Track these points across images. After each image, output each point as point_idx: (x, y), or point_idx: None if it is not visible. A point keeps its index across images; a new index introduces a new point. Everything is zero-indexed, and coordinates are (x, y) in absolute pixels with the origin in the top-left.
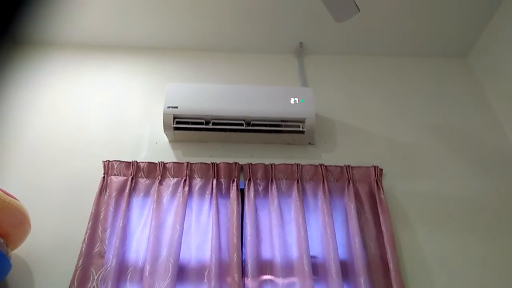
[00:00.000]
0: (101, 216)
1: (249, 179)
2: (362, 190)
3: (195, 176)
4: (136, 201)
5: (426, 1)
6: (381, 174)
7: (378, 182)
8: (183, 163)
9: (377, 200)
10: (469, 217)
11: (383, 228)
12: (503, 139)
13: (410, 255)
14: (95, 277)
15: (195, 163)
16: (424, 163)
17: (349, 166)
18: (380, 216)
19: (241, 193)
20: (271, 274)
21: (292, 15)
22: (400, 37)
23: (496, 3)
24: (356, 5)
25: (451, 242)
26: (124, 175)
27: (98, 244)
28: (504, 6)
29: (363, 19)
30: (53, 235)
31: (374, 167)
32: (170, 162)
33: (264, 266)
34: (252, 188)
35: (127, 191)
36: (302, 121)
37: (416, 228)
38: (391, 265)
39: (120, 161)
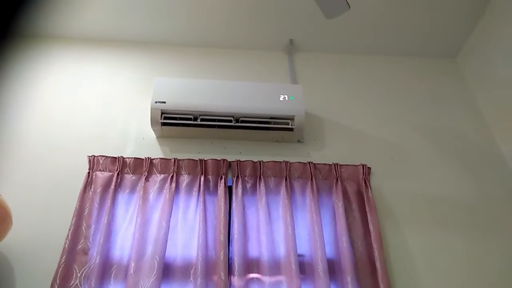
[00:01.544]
0: (86, 212)
1: (237, 176)
2: (350, 188)
3: (183, 172)
4: (122, 197)
5: (416, 0)
6: (369, 173)
7: (366, 180)
8: (170, 159)
9: (365, 199)
10: (456, 217)
11: (371, 227)
12: (490, 140)
13: (397, 254)
14: (79, 274)
15: (183, 159)
16: (412, 162)
17: (337, 165)
18: (368, 214)
19: (229, 190)
20: (258, 272)
21: (283, 11)
22: (390, 36)
23: (485, 2)
24: (347, 2)
25: (438, 241)
26: (109, 171)
27: (82, 240)
28: (493, 6)
29: (354, 18)
30: (35, 231)
31: (363, 165)
32: (157, 158)
33: (251, 264)
34: (240, 185)
35: (112, 187)
36: (291, 118)
37: (403, 227)
38: (378, 264)
39: (106, 156)
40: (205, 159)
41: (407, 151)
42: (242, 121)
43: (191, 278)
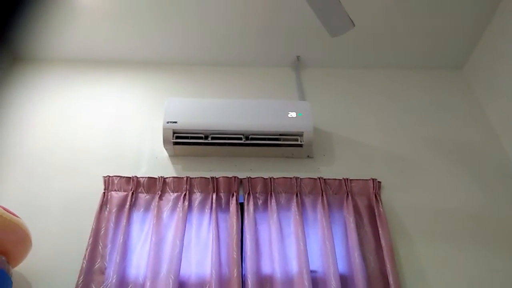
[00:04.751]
0: (102, 232)
1: (249, 193)
2: (361, 203)
3: (195, 190)
4: (137, 216)
5: (421, 13)
6: (379, 187)
7: (377, 195)
8: (182, 177)
9: (376, 213)
10: (468, 230)
11: (382, 241)
12: (500, 152)
13: (409, 268)
14: None
15: (195, 178)
16: (422, 175)
17: (347, 179)
18: (379, 229)
19: (241, 207)
20: None
21: (289, 29)
22: (396, 50)
23: (490, 13)
24: (351, 20)
25: (450, 254)
26: (124, 191)
27: (99, 260)
28: (498, 17)
29: (359, 33)
30: (53, 252)
31: (373, 180)
32: (170, 177)
33: (264, 281)
34: (251, 202)
35: (127, 206)
36: (300, 134)
37: (415, 241)
38: (390, 279)
39: (120, 177)
40: (217, 176)
41: (416, 164)
42: (252, 139)
43: None
